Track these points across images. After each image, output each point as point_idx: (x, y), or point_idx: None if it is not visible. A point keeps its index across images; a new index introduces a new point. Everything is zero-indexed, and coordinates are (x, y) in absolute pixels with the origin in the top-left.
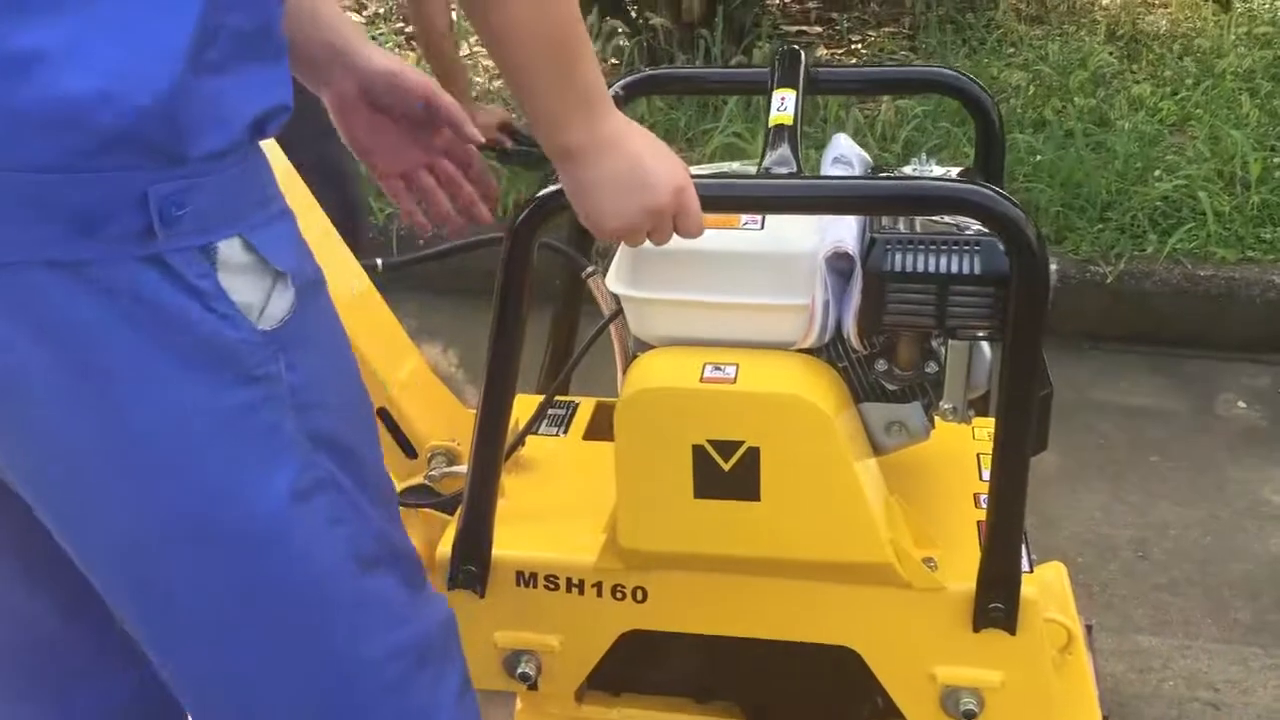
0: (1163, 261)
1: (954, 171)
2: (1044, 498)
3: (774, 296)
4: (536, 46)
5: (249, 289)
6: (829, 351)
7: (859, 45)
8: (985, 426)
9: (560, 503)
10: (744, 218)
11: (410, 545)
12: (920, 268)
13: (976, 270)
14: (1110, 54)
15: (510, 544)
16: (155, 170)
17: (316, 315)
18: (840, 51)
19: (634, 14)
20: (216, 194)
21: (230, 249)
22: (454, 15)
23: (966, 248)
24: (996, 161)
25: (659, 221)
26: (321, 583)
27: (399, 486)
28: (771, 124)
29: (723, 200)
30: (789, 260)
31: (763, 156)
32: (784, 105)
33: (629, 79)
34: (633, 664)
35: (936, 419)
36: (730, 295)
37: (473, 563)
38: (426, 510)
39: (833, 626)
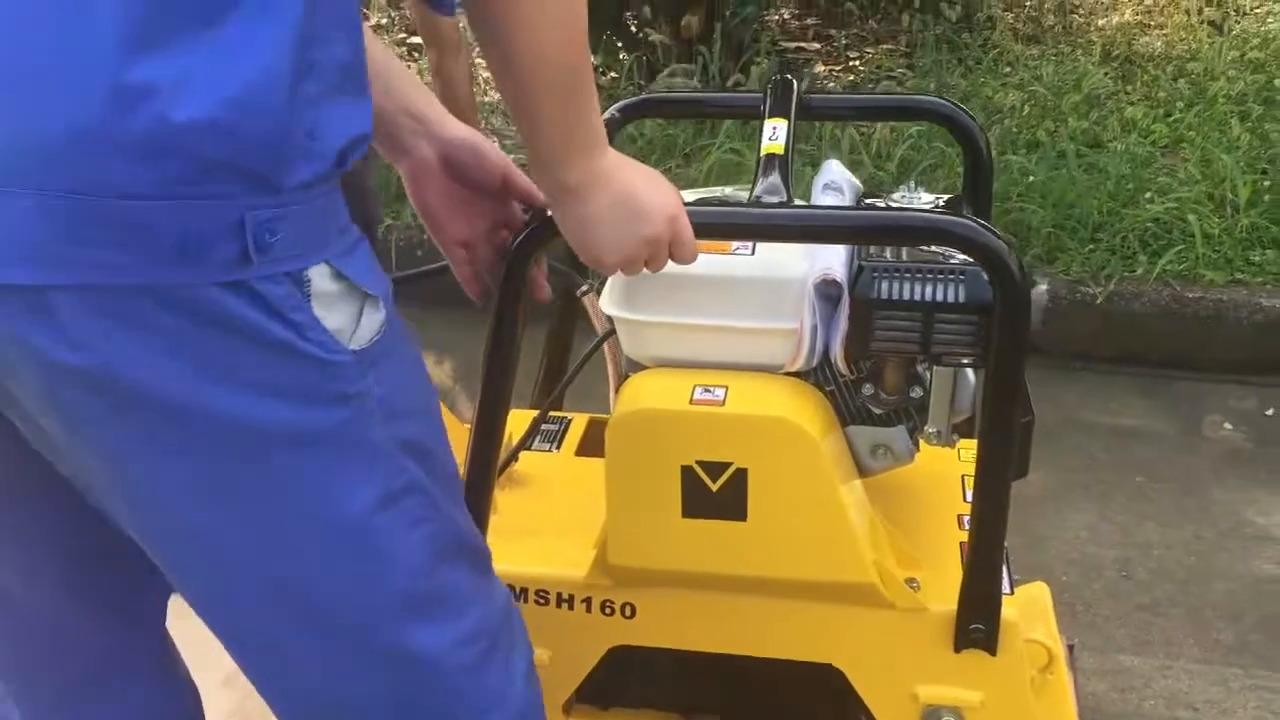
0: (1152, 283)
1: (943, 199)
2: (1031, 517)
3: (763, 320)
4: (553, 76)
5: (340, 314)
6: (817, 375)
7: (857, 62)
8: (970, 448)
9: (552, 518)
10: (735, 243)
11: (476, 532)
12: (906, 295)
13: (961, 299)
14: (1105, 75)
15: (501, 559)
16: (253, 198)
17: (394, 327)
18: (838, 68)
19: (634, 29)
20: (305, 222)
21: (320, 276)
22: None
23: (951, 276)
24: (984, 188)
25: (655, 250)
26: (408, 580)
27: None
28: (763, 153)
29: (712, 228)
30: (779, 285)
31: (754, 184)
32: (775, 135)
33: (625, 103)
34: (620, 678)
35: (921, 442)
36: (721, 319)
37: None
38: None
39: (817, 644)
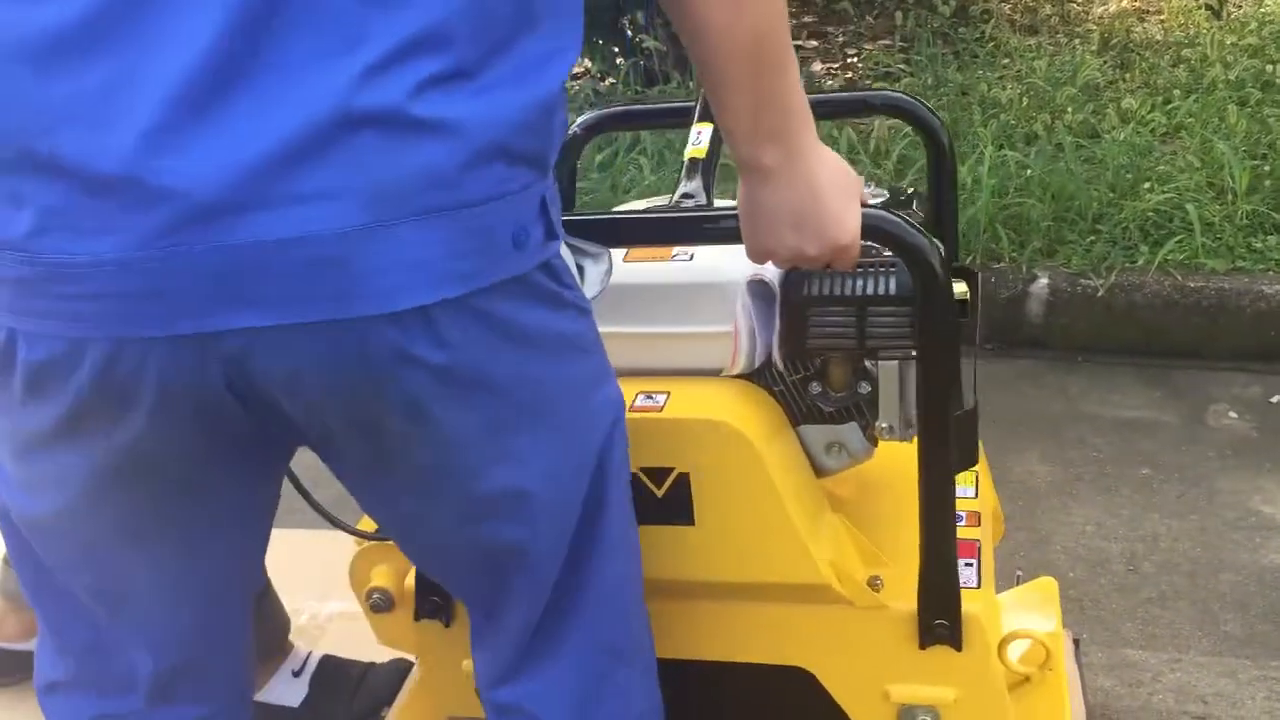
0: (1154, 273)
1: (905, 194)
2: (1036, 512)
3: (699, 325)
4: (734, 54)
5: (575, 271)
6: (765, 376)
7: (854, 59)
8: None
9: None
10: (676, 250)
11: None
12: (838, 291)
13: (892, 290)
14: (1102, 65)
15: None
16: (541, 181)
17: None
18: (835, 66)
19: (630, 35)
20: (555, 197)
21: (563, 248)
22: None
23: (883, 269)
24: (948, 182)
25: (814, 264)
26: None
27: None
28: (686, 157)
29: (628, 234)
30: (713, 289)
31: (675, 189)
32: (700, 139)
33: (586, 119)
34: None
35: (883, 439)
36: (660, 326)
37: (436, 593)
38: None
39: (785, 648)
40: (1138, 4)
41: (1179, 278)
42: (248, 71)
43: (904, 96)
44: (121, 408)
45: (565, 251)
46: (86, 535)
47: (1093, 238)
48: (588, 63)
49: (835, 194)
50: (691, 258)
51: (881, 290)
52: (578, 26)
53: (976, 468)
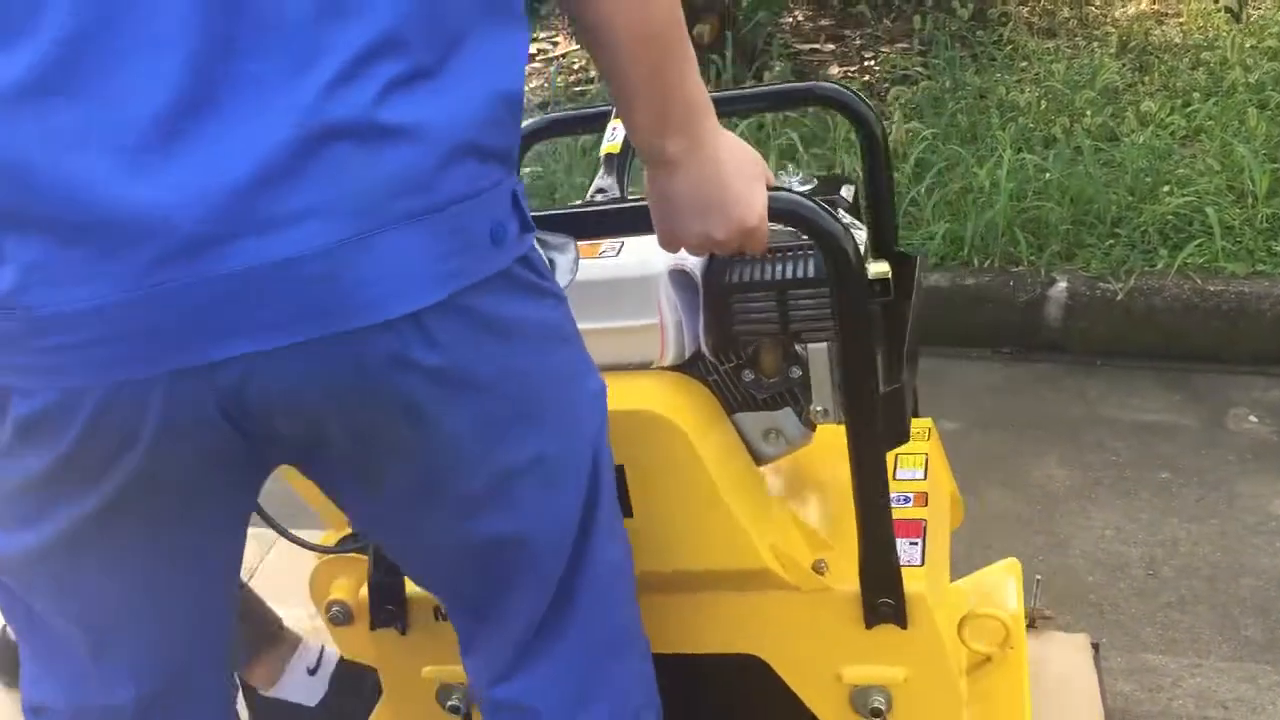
0: (1173, 277)
1: (831, 181)
2: (1055, 516)
3: (626, 320)
4: (636, 51)
5: (554, 264)
6: (697, 367)
7: (872, 62)
8: (913, 427)
9: None
10: (603, 245)
11: None
12: (758, 277)
13: (811, 274)
14: (1122, 67)
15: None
16: (511, 176)
17: None
18: (853, 69)
19: None
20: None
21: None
22: None
23: (802, 252)
24: (882, 168)
25: (724, 248)
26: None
27: (336, 536)
28: (602, 153)
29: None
30: (638, 283)
31: (591, 183)
32: (614, 135)
33: (530, 125)
34: None
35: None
36: (588, 322)
37: (391, 602)
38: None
39: (736, 637)
40: (1156, 6)
41: (1199, 281)
42: (215, 99)
43: (836, 88)
44: (119, 449)
45: (536, 244)
46: (69, 569)
47: (1111, 241)
48: None
49: (739, 178)
50: (619, 253)
51: (800, 274)
52: (524, 19)
53: (928, 450)
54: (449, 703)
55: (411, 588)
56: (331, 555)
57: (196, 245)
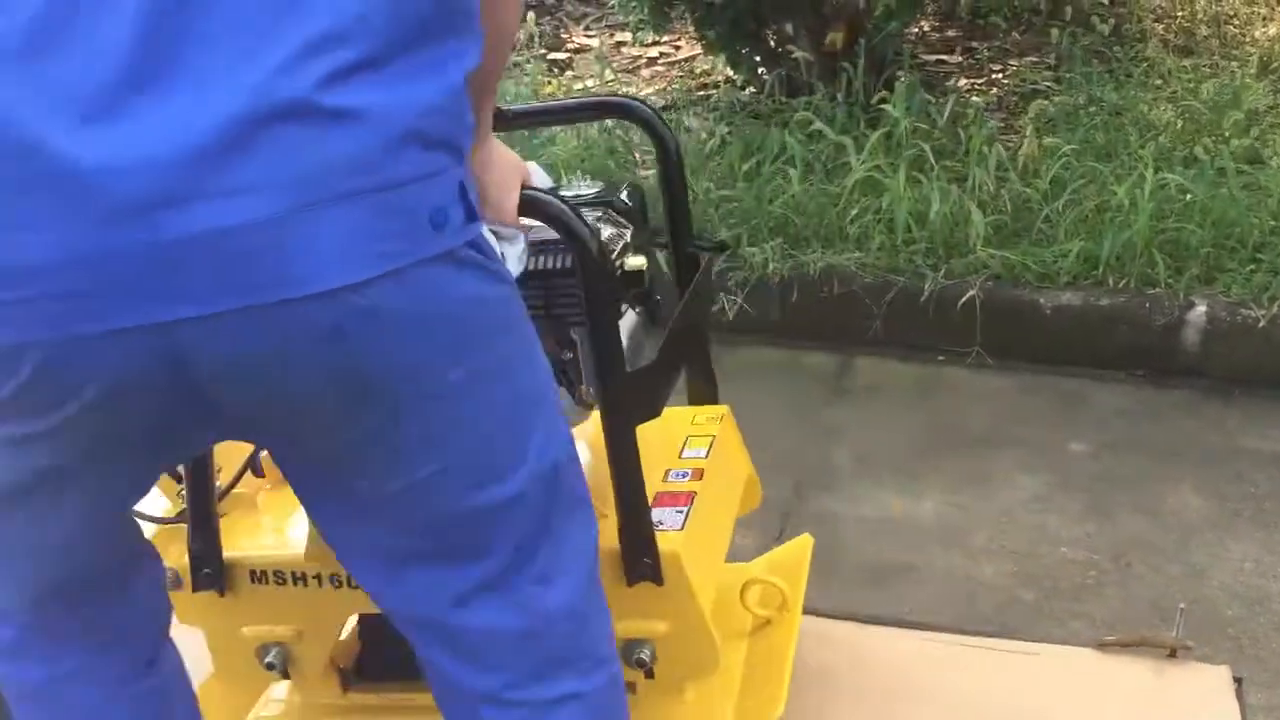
0: None
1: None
2: (1191, 546)
3: None
4: (504, 56)
5: (504, 256)
6: None
7: (1000, 75)
8: (707, 413)
9: (293, 507)
10: None
11: None
12: (531, 267)
13: (568, 265)
14: (1263, 88)
15: (239, 546)
16: (458, 166)
17: None
18: (980, 82)
19: (773, 44)
20: (473, 184)
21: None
22: None
23: (563, 246)
24: (675, 174)
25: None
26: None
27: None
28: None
29: None
30: None
31: None
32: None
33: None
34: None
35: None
36: None
37: (208, 565)
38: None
39: None
40: None
41: None
42: (169, 72)
43: (628, 101)
44: (61, 402)
45: (488, 233)
46: None
47: (1253, 266)
48: (729, 71)
49: (498, 180)
50: None
51: (560, 265)
52: (478, 37)
53: (716, 433)
54: (266, 659)
55: (229, 554)
56: (165, 525)
57: (141, 208)
